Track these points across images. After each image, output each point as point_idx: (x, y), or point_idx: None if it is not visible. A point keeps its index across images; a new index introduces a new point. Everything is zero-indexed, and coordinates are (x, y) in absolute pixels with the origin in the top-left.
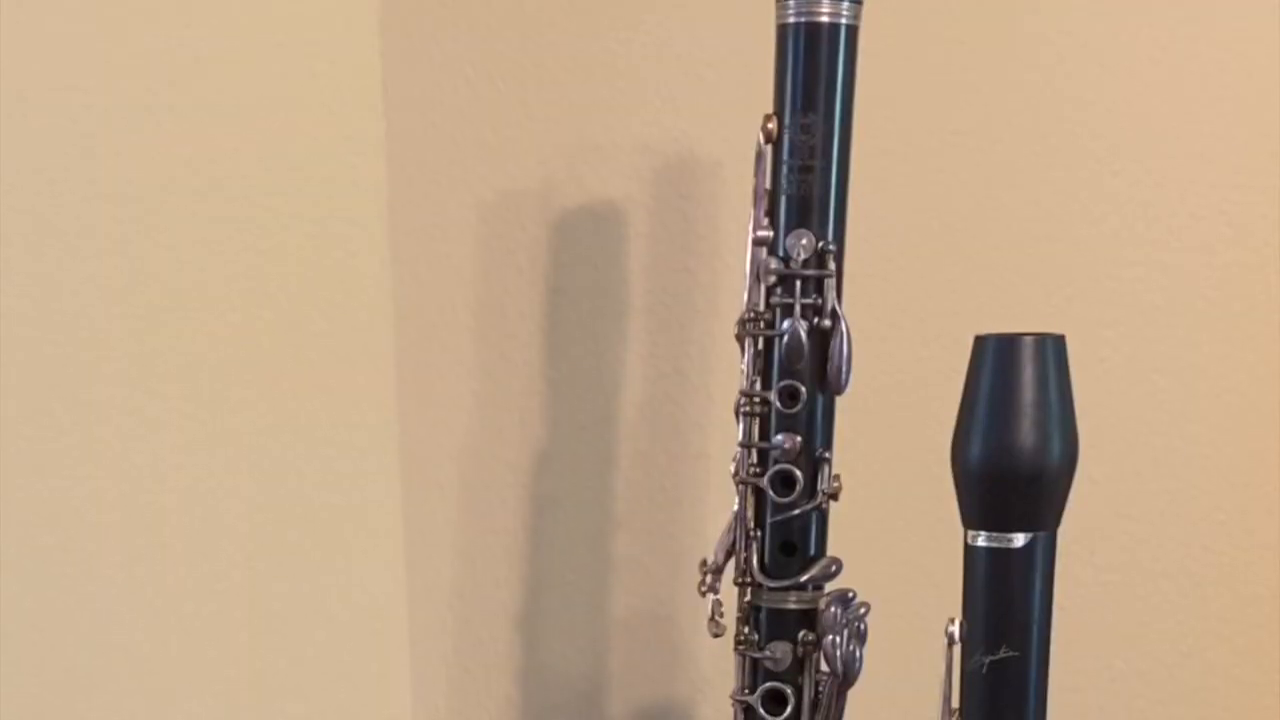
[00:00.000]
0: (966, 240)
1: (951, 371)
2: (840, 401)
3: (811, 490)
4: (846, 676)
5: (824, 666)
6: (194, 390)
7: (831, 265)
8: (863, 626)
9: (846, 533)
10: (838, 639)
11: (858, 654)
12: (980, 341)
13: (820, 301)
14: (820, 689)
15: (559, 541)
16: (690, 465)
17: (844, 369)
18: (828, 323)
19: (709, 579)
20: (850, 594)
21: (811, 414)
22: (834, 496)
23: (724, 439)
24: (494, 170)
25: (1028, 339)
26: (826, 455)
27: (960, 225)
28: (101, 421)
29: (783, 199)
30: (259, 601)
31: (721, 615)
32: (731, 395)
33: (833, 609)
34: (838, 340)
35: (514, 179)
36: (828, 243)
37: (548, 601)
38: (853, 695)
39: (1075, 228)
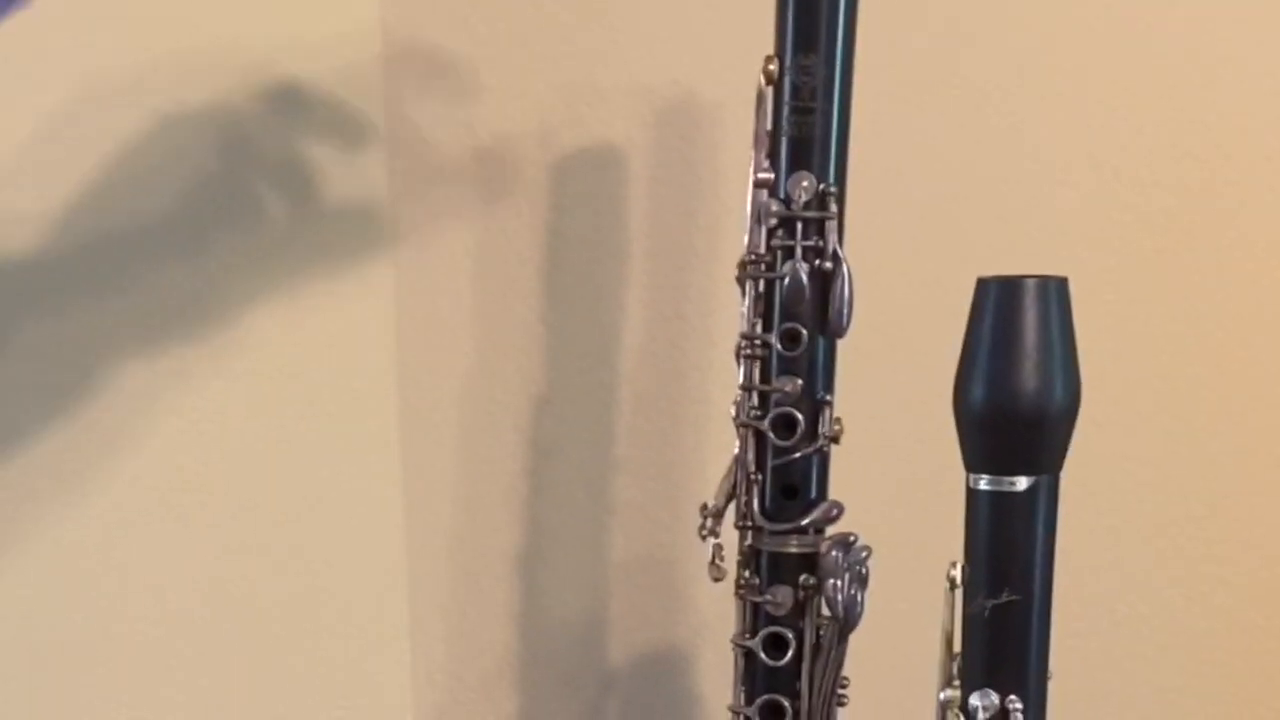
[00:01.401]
0: (969, 182)
1: (954, 314)
2: (842, 344)
3: (812, 433)
4: (848, 620)
5: (825, 611)
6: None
7: (833, 207)
8: (864, 570)
9: (848, 476)
10: (839, 583)
11: (859, 598)
12: (982, 284)
13: (821, 244)
14: (821, 633)
15: (558, 487)
16: (691, 409)
17: (845, 312)
18: (829, 265)
19: (709, 523)
20: (852, 538)
21: (812, 357)
22: (835, 440)
23: (725, 382)
24: (493, 113)
25: (1030, 281)
26: (828, 398)
27: (963, 167)
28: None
29: (784, 141)
30: (252, 546)
31: (722, 559)
32: (732, 339)
33: (834, 553)
34: (839, 283)
35: (513, 122)
36: (829, 185)
37: (547, 547)
38: (854, 639)
39: (1078, 170)
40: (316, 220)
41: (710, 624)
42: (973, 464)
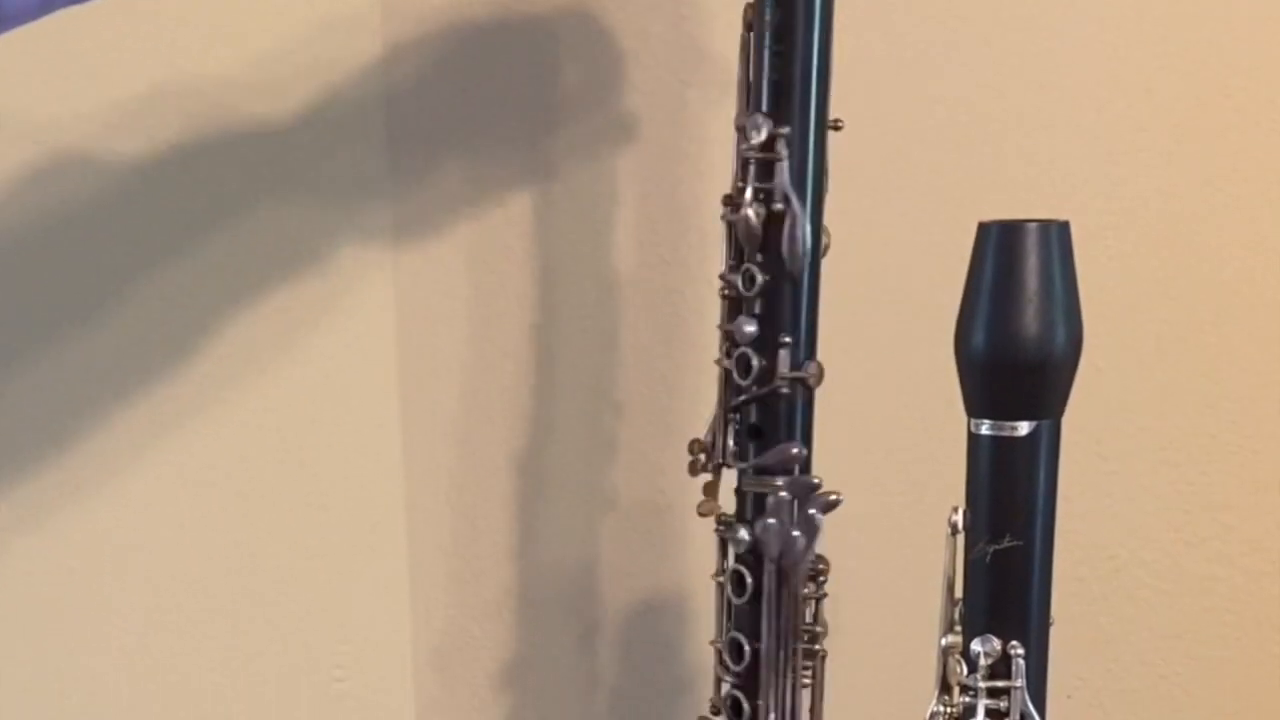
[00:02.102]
0: (970, 126)
1: (955, 258)
2: (842, 289)
3: (769, 375)
4: (781, 566)
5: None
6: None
7: (782, 150)
8: (816, 516)
9: (849, 421)
10: (773, 523)
11: (800, 544)
12: (984, 228)
13: (772, 186)
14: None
15: (556, 429)
16: (689, 353)
17: (800, 254)
18: (780, 206)
19: (702, 459)
20: (816, 480)
21: (772, 299)
22: (802, 383)
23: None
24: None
25: (1032, 226)
26: (786, 340)
27: (964, 111)
28: None
29: (760, 84)
30: (250, 493)
31: (715, 497)
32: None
33: (781, 494)
34: (789, 224)
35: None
36: (779, 128)
37: (545, 489)
38: (855, 585)
39: (1080, 113)
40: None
41: (705, 564)
42: (974, 409)
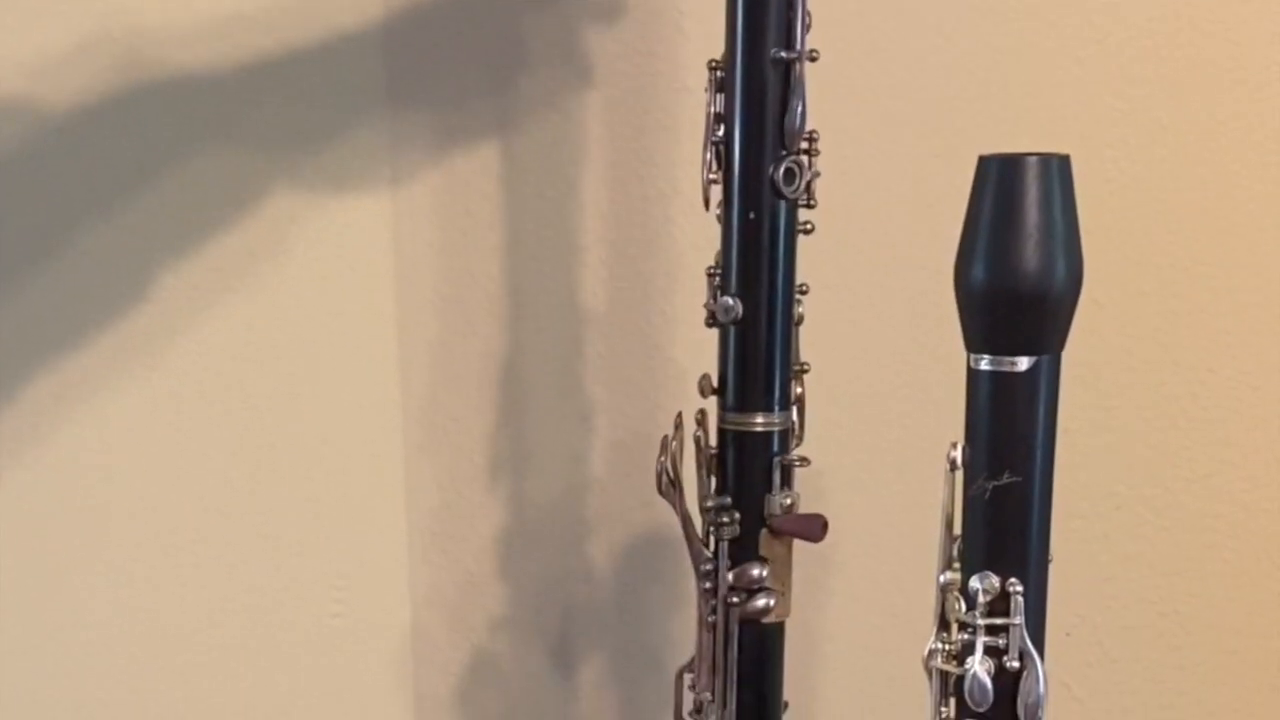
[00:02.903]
0: (971, 58)
1: (955, 192)
2: (840, 222)
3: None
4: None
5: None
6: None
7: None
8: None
9: (847, 356)
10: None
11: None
12: (984, 162)
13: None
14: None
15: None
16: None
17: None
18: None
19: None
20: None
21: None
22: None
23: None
24: None
25: (1032, 159)
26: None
27: (965, 43)
28: None
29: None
30: (246, 424)
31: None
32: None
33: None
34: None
35: None
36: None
37: (545, 422)
38: (853, 522)
39: (1081, 45)
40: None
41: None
42: (973, 344)
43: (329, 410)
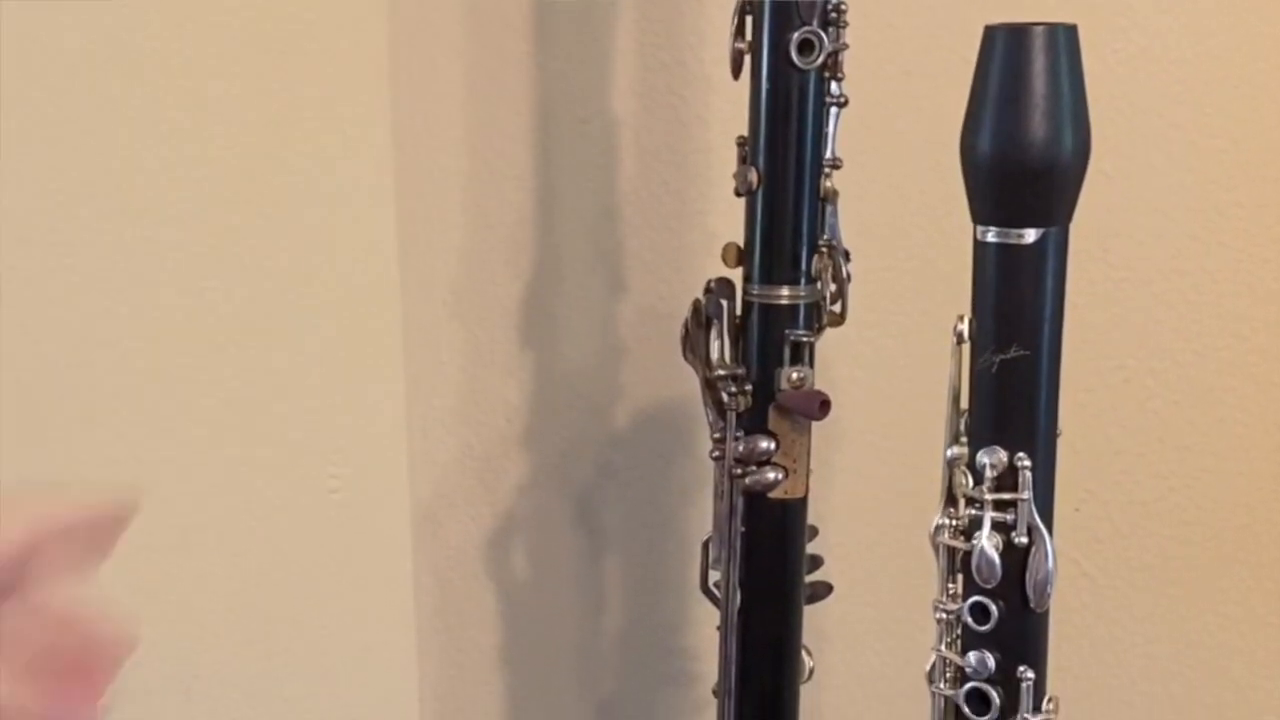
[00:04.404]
0: None
1: (961, 62)
2: (847, 94)
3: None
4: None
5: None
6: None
7: None
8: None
9: (852, 228)
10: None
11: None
12: (990, 32)
13: None
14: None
15: (560, 236)
16: (694, 159)
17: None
18: None
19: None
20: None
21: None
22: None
23: (726, 130)
24: None
25: (1039, 29)
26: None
27: None
28: None
29: None
30: (243, 294)
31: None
32: (732, 89)
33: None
34: None
35: None
36: None
37: (549, 301)
38: (859, 397)
39: None
40: None
41: None
42: (980, 216)
43: (326, 280)
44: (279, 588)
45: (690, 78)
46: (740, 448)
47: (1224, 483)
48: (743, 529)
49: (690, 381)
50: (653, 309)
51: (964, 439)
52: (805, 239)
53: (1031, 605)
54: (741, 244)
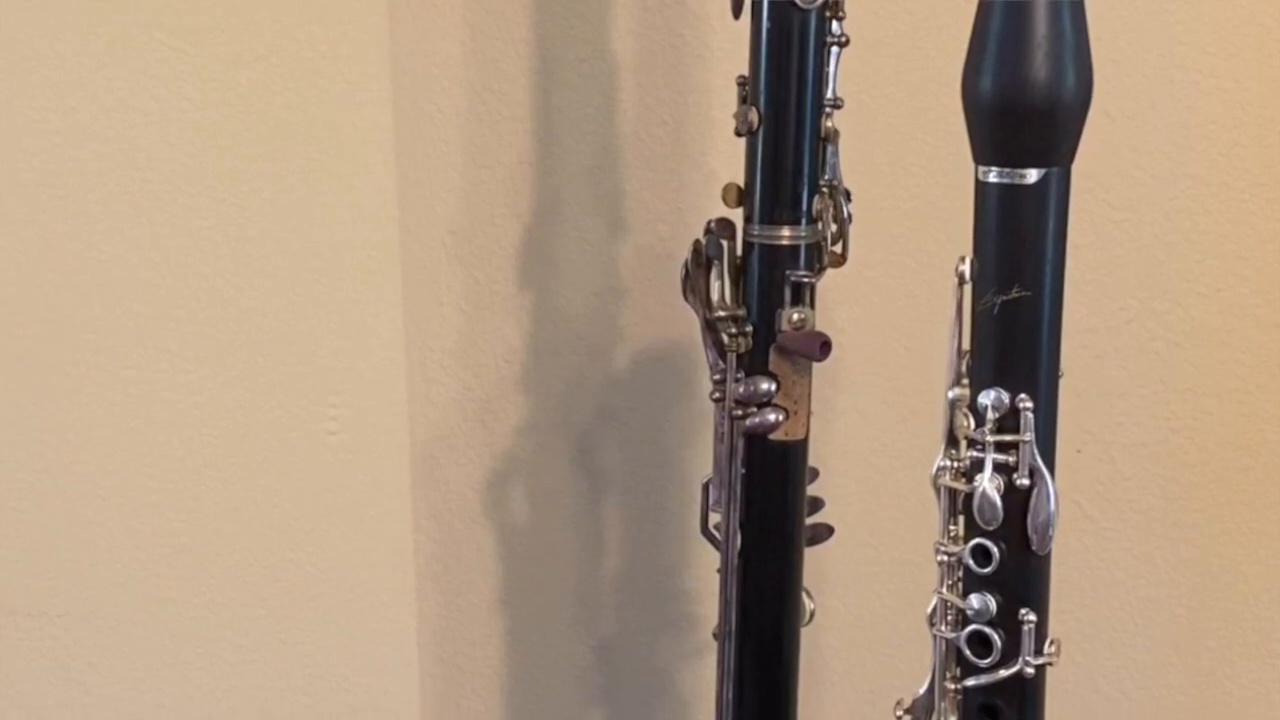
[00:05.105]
0: None
1: (963, 1)
2: (849, 34)
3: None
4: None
5: None
6: None
7: None
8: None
9: (852, 168)
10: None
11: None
12: None
13: None
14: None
15: (560, 175)
16: (694, 99)
17: None
18: None
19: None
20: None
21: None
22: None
23: (726, 70)
24: None
25: None
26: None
27: None
28: None
29: None
30: (240, 235)
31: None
32: (731, 24)
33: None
34: None
35: None
36: None
37: (547, 239)
38: (860, 338)
39: None
40: None
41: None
42: (982, 156)
43: (325, 220)
44: (277, 529)
45: (690, 17)
46: (741, 389)
47: (1226, 424)
48: (743, 471)
49: (690, 323)
50: (653, 250)
51: (965, 380)
52: (806, 179)
53: (1033, 547)
54: (742, 184)
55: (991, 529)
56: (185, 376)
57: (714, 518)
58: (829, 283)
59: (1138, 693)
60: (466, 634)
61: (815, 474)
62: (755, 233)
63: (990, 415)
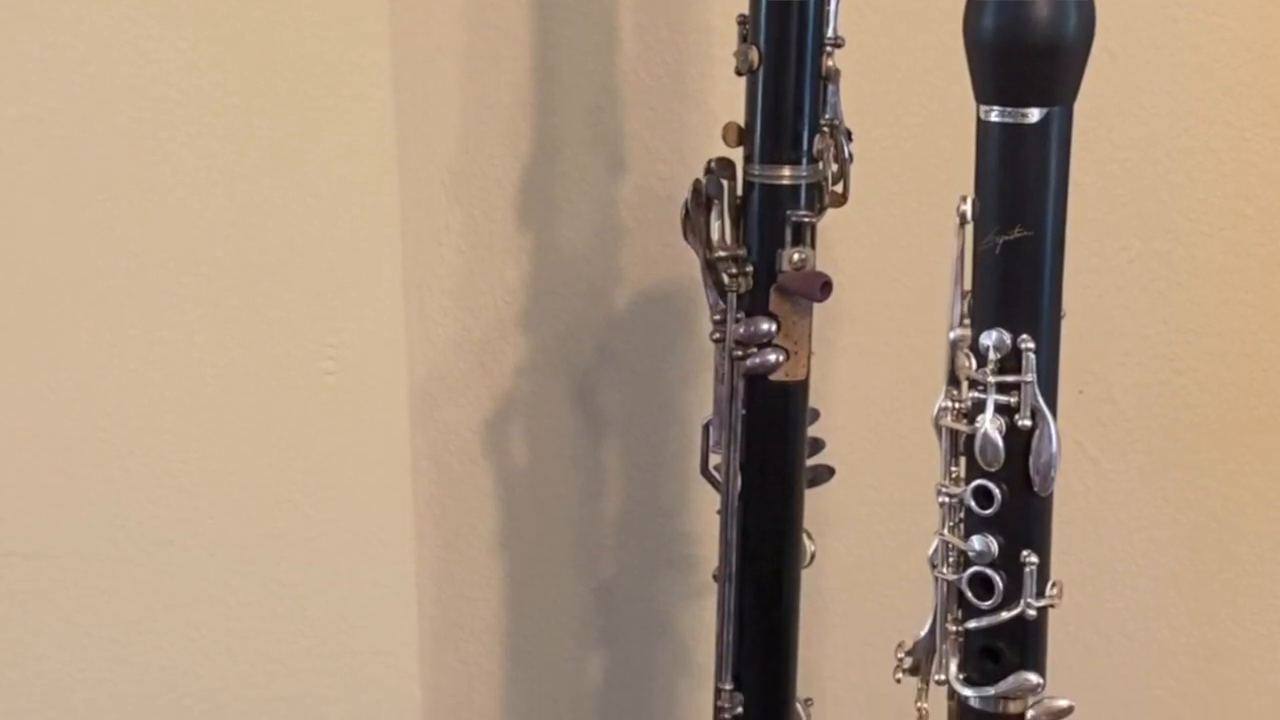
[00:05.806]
0: None
1: None
2: None
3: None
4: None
5: None
6: None
7: None
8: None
9: (852, 105)
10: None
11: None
12: None
13: None
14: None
15: (560, 115)
16: (694, 38)
17: None
18: None
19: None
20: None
21: None
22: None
23: (727, 9)
24: None
25: None
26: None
27: None
28: None
29: None
30: (239, 174)
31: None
32: None
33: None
34: None
35: None
36: None
37: (547, 181)
38: (859, 276)
39: None
40: None
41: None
42: (983, 95)
43: (323, 162)
44: (275, 471)
45: None
46: (741, 330)
47: (1229, 365)
48: (743, 412)
49: (690, 263)
50: (652, 190)
51: (967, 321)
52: (807, 118)
53: (1035, 489)
54: (742, 123)
55: (993, 470)
56: (182, 316)
57: (714, 459)
58: (829, 222)
59: (1140, 634)
60: (465, 575)
61: (816, 415)
62: (755, 172)
63: (992, 356)
